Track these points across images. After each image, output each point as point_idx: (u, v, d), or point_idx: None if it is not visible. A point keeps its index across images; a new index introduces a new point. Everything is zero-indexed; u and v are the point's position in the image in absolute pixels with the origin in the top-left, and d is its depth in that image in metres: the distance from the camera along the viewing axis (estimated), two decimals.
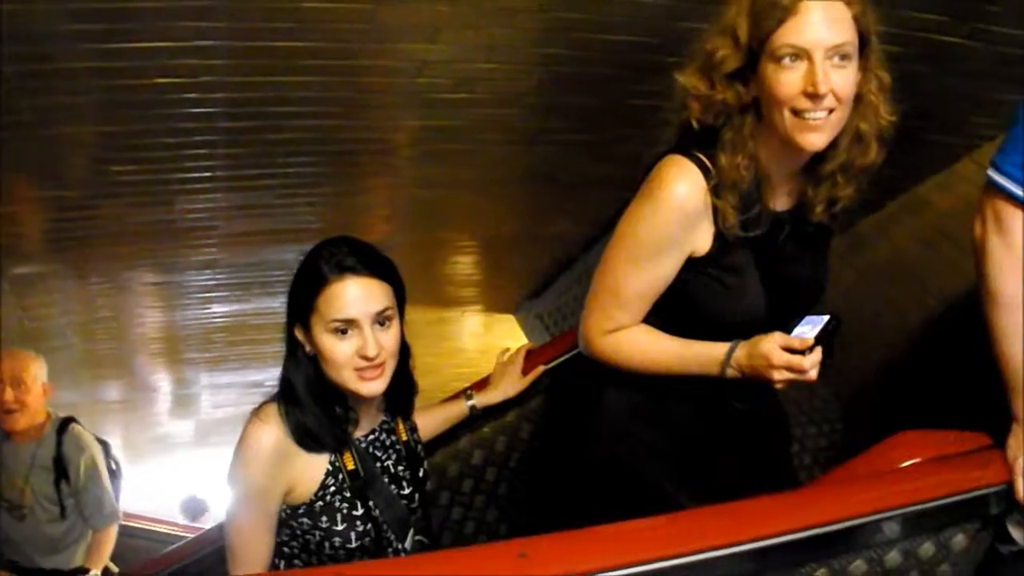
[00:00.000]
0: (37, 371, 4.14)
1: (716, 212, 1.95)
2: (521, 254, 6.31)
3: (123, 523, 5.55)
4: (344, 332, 1.97)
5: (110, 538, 4.26)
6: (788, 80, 1.84)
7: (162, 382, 8.27)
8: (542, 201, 5.27)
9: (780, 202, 2.06)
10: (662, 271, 2.01)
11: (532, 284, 6.80)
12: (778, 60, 1.84)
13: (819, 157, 1.98)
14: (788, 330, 1.95)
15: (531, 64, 3.77)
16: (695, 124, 1.98)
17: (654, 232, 1.97)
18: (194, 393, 8.63)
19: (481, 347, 7.93)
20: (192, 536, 4.01)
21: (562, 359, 2.76)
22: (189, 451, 10.08)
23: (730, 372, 2.01)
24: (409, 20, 3.35)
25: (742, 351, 1.98)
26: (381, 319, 2.00)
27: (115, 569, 4.39)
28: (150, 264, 5.65)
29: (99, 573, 4.12)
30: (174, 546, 3.58)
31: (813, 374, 1.91)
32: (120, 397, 8.43)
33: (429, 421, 2.59)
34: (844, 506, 1.66)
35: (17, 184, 4.24)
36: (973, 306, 2.08)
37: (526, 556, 1.41)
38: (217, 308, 6.44)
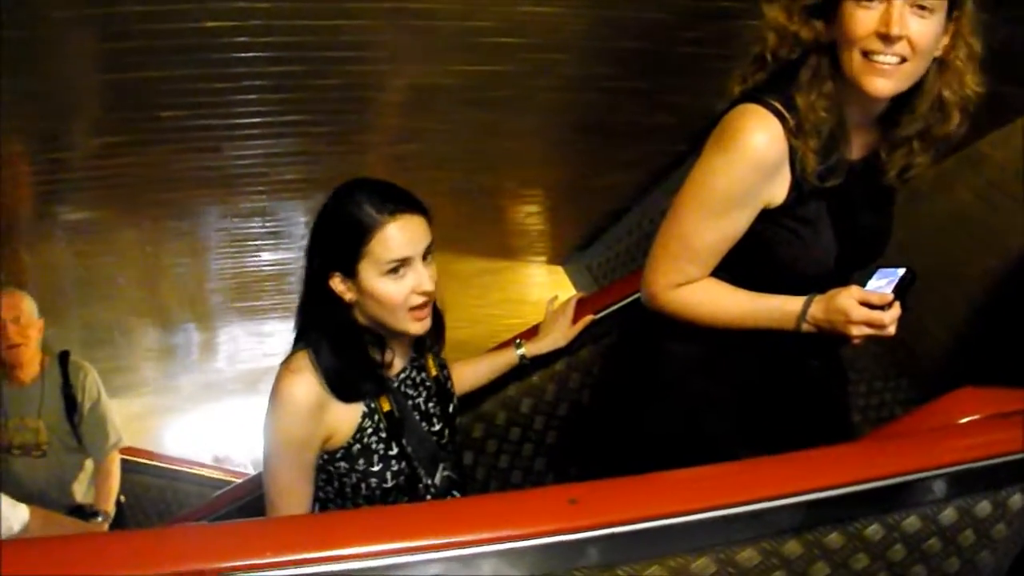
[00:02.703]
0: (32, 309, 4.18)
1: (793, 161, 1.89)
2: (570, 204, 6.29)
3: (170, 467, 5.67)
4: (398, 272, 1.96)
5: (116, 469, 4.29)
6: (864, 18, 1.78)
7: (209, 330, 8.37)
8: (591, 150, 5.21)
9: (855, 151, 2.00)
10: (737, 224, 1.95)
11: (581, 235, 6.76)
12: None
13: (895, 121, 1.93)
14: (859, 282, 1.91)
15: (579, 7, 3.71)
16: (769, 57, 1.93)
17: (731, 184, 1.91)
18: (241, 341, 8.73)
19: (531, 298, 7.92)
20: (234, 484, 4.05)
21: (612, 309, 2.75)
22: (238, 399, 10.19)
23: (805, 327, 1.96)
24: None
25: (818, 306, 1.93)
26: (426, 254, 2.00)
27: (122, 499, 4.45)
28: (199, 211, 5.71)
29: (110, 513, 4.17)
30: (217, 494, 3.63)
31: (892, 329, 1.87)
32: (167, 344, 8.55)
33: (479, 369, 2.60)
34: (899, 461, 1.61)
35: (68, 130, 4.30)
36: None
37: (576, 502, 1.38)
38: (266, 256, 6.49)
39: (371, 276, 1.96)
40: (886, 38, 1.76)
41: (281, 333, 8.17)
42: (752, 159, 1.88)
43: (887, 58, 1.78)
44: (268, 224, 5.85)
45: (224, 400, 10.31)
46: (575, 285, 7.17)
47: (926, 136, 1.94)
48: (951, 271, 3.84)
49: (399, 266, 1.95)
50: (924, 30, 1.78)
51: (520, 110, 4.62)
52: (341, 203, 1.99)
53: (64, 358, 4.26)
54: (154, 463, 5.68)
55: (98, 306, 7.13)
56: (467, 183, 5.60)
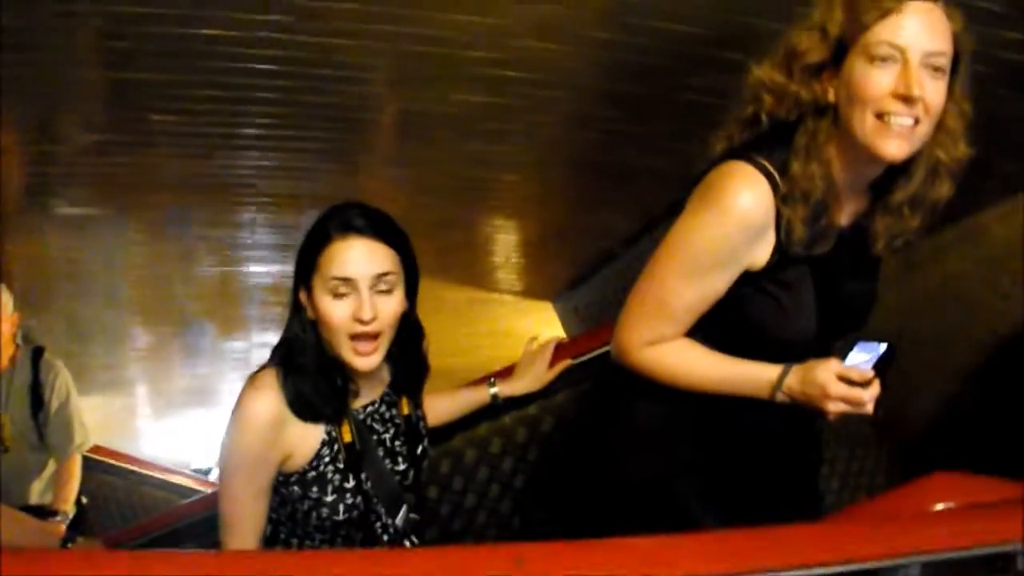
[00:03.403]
0: (6, 301, 4.09)
1: (779, 225, 1.82)
2: (563, 242, 6.27)
3: (136, 470, 5.60)
4: (342, 294, 1.92)
5: (77, 471, 4.17)
6: (879, 79, 1.71)
7: (190, 335, 8.34)
8: (588, 189, 5.21)
9: (844, 218, 1.92)
10: (716, 285, 1.88)
11: (572, 274, 6.76)
12: (871, 57, 1.72)
13: (888, 187, 1.87)
14: (838, 354, 1.83)
15: (583, 47, 3.68)
16: (764, 119, 1.85)
17: (713, 244, 1.84)
18: (221, 349, 8.70)
19: (518, 331, 7.88)
20: (202, 494, 3.98)
21: (591, 355, 2.68)
22: (213, 408, 10.16)
23: (780, 397, 1.87)
24: None
25: (795, 377, 1.85)
26: (382, 284, 1.94)
27: (83, 500, 4.37)
28: (189, 217, 5.68)
29: (69, 514, 4.08)
30: (182, 503, 3.56)
31: (870, 408, 1.79)
32: (150, 344, 8.52)
33: (449, 405, 2.54)
34: (865, 546, 1.55)
35: (64, 124, 4.28)
36: None
37: (523, 564, 1.31)
38: (254, 268, 6.47)
39: (319, 292, 1.93)
40: (906, 99, 1.70)
41: (260, 346, 8.18)
42: (737, 219, 1.81)
43: (903, 120, 1.71)
44: (257, 236, 5.83)
45: (200, 407, 10.27)
46: (563, 323, 7.15)
47: (918, 202, 1.88)
48: (942, 340, 3.78)
49: (342, 286, 1.91)
50: (937, 92, 1.73)
51: (516, 144, 4.60)
52: (320, 216, 1.98)
53: (37, 355, 4.18)
54: (120, 464, 5.60)
55: (82, 302, 7.12)
56: (458, 213, 5.57)
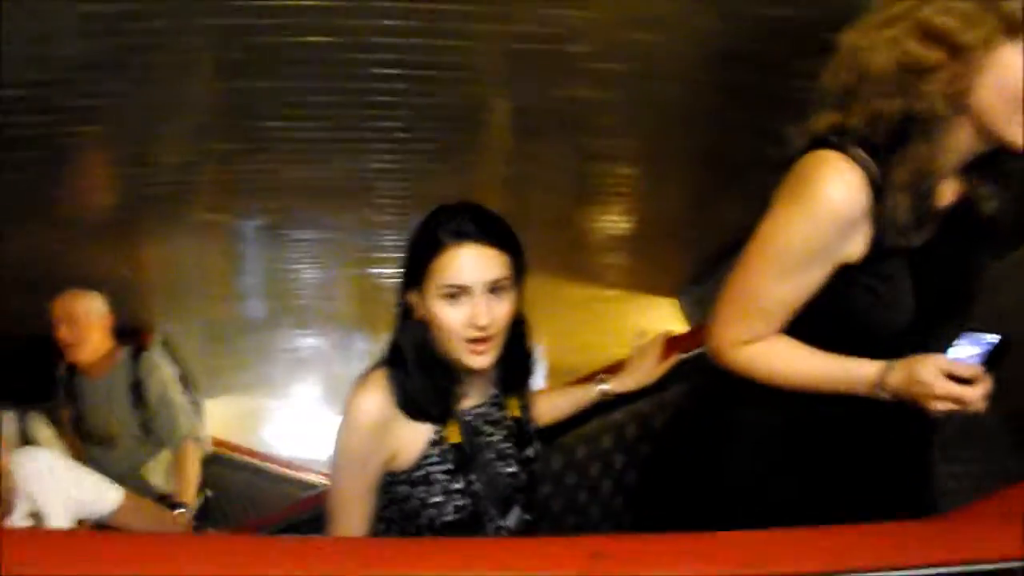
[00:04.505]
0: (90, 306, 4.32)
1: (875, 216, 1.74)
2: (684, 236, 6.19)
3: (258, 463, 5.75)
4: (456, 298, 1.93)
5: (191, 461, 4.34)
6: None
7: (322, 337, 8.52)
8: (703, 182, 5.13)
9: (944, 199, 1.83)
10: (810, 281, 1.81)
11: (694, 269, 6.65)
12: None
13: (991, 158, 1.78)
14: (941, 347, 1.74)
15: (687, 36, 3.63)
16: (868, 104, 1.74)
17: (806, 239, 1.76)
18: (356, 351, 8.88)
19: (641, 328, 7.79)
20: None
21: (702, 350, 2.64)
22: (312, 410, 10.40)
23: (883, 395, 1.80)
24: None
25: (898, 374, 1.76)
26: (495, 289, 1.94)
27: (208, 493, 4.55)
28: (304, 221, 5.85)
29: (192, 505, 4.23)
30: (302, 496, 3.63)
31: (980, 405, 1.70)
32: (283, 347, 8.74)
33: (559, 403, 2.54)
34: (975, 548, 1.48)
35: (173, 135, 4.44)
36: None
37: (599, 557, 1.29)
38: (373, 270, 6.57)
39: (432, 297, 1.94)
40: None
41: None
42: (829, 214, 1.73)
43: None
44: (374, 237, 5.92)
45: (332, 407, 10.47)
46: (687, 318, 7.05)
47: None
48: None
49: (457, 292, 1.92)
50: None
51: (625, 138, 4.56)
52: (428, 218, 1.98)
53: (135, 353, 4.39)
54: (243, 458, 5.75)
55: (217, 305, 7.35)
56: (573, 209, 5.55)
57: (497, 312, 1.94)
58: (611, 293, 7.36)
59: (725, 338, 1.93)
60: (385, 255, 6.35)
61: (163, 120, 4.23)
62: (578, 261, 6.59)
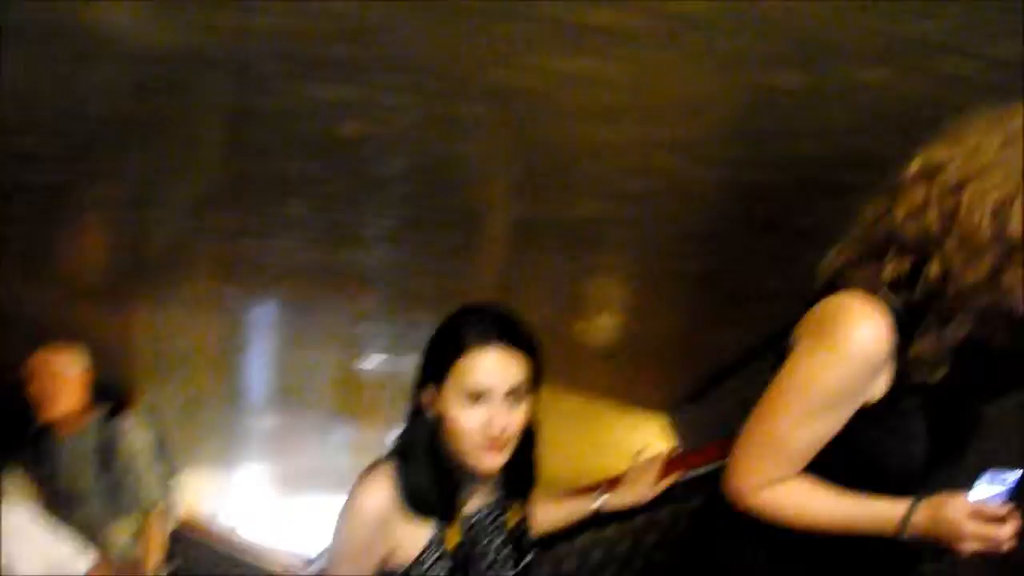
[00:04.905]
0: (68, 361, 4.25)
1: (900, 355, 1.74)
2: (679, 355, 6.23)
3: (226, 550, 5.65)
4: (475, 402, 1.91)
5: (156, 530, 4.25)
6: None
7: (308, 422, 8.49)
8: (705, 304, 5.19)
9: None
10: (836, 423, 1.80)
11: (688, 387, 6.67)
12: None
13: None
14: (949, 485, 1.75)
15: (711, 163, 3.70)
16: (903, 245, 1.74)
17: (834, 385, 1.76)
18: (335, 437, 8.81)
19: (627, 444, 7.76)
20: None
21: (701, 472, 2.64)
22: (324, 495, 10.24)
23: (908, 535, 1.77)
24: (591, 102, 3.34)
25: (924, 513, 1.75)
26: (514, 393, 1.93)
27: (173, 568, 4.44)
28: (309, 305, 5.87)
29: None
30: None
31: (1009, 545, 1.69)
32: (266, 427, 8.73)
33: (555, 512, 2.49)
34: None
35: (176, 206, 4.49)
36: None
37: None
38: (357, 359, 6.66)
39: (450, 398, 1.92)
40: None
41: (373, 436, 8.28)
42: (860, 359, 1.73)
43: None
44: (384, 329, 5.94)
45: (308, 493, 10.37)
46: (677, 437, 7.05)
47: None
48: None
49: (477, 397, 1.91)
50: None
51: (630, 254, 4.65)
52: (454, 317, 1.98)
53: (111, 413, 4.32)
54: (208, 538, 5.66)
55: (201, 378, 7.34)
56: (569, 321, 5.59)
57: (514, 417, 1.93)
58: (602, 406, 7.36)
59: (748, 482, 1.89)
60: (371, 346, 6.37)
61: (168, 190, 4.29)
62: (570, 373, 6.59)
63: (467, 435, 1.93)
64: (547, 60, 3.11)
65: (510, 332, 1.94)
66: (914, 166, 1.76)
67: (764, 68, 3.06)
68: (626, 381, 6.92)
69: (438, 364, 1.95)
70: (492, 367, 1.91)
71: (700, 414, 6.58)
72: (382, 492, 1.95)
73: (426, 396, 1.98)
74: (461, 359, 1.91)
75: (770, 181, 3.70)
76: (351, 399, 7.75)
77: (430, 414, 1.98)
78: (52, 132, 3.69)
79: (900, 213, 1.75)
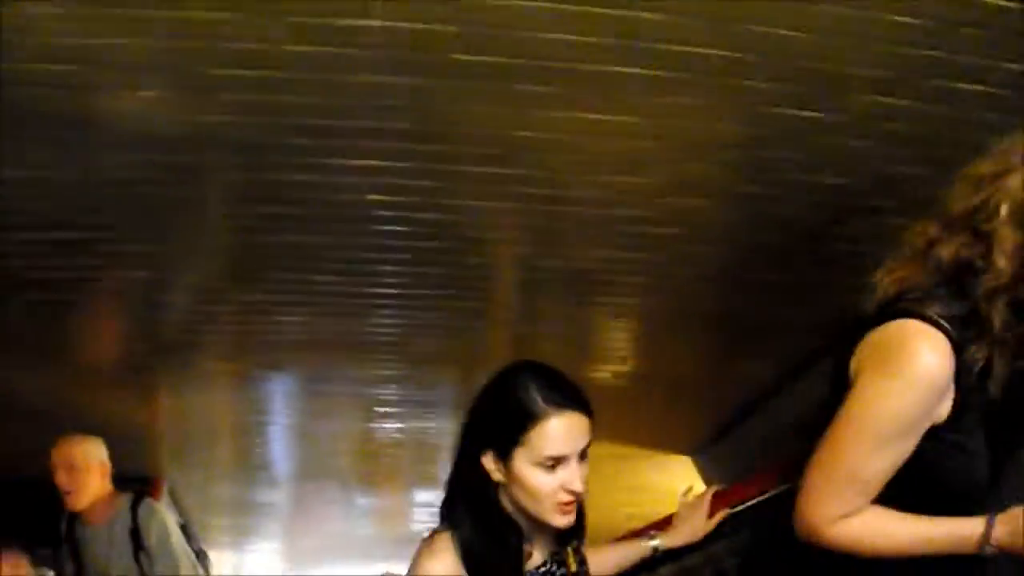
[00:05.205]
0: (89, 452, 4.27)
1: (960, 375, 1.76)
2: (701, 394, 6.19)
3: None
4: (554, 467, 1.91)
5: None
6: None
7: (332, 491, 8.45)
8: (727, 341, 5.19)
9: None
10: (906, 449, 1.80)
11: (711, 427, 6.65)
12: None
13: None
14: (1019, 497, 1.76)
15: (727, 200, 3.74)
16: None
17: (902, 412, 1.77)
18: (359, 506, 8.78)
19: (657, 487, 7.73)
20: None
21: (748, 504, 2.66)
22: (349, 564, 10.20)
23: (989, 551, 1.78)
24: (612, 152, 3.38)
25: (1002, 528, 1.76)
26: (583, 454, 1.95)
27: None
28: (336, 374, 5.86)
29: None
30: None
31: None
32: (291, 498, 8.67)
33: (611, 557, 2.51)
34: None
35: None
36: None
37: None
38: (374, 425, 6.64)
39: (524, 464, 1.92)
40: None
41: (400, 505, 8.23)
42: (926, 385, 1.74)
43: None
44: (401, 393, 5.94)
45: (338, 563, 10.30)
46: (703, 477, 7.01)
47: None
48: None
49: (556, 462, 1.91)
50: None
51: (652, 297, 4.67)
52: (508, 383, 1.97)
53: (136, 500, 4.34)
54: None
55: (222, 454, 7.30)
56: (590, 365, 5.61)
57: (584, 474, 1.95)
58: (626, 451, 7.32)
59: (823, 516, 1.87)
60: (387, 410, 6.37)
61: (184, 271, 4.34)
62: (595, 420, 6.57)
63: (546, 498, 1.93)
64: (560, 111, 3.16)
65: (573, 394, 1.95)
66: (959, 186, 1.81)
67: (784, 103, 3.10)
68: (650, 425, 6.89)
69: (506, 432, 1.94)
70: (567, 433, 1.91)
71: (724, 453, 6.56)
72: (446, 561, 1.94)
73: (488, 462, 1.98)
74: (535, 427, 1.91)
75: (788, 213, 3.73)
76: (370, 466, 7.71)
77: (494, 479, 1.98)
78: (67, 221, 3.74)
79: (947, 233, 1.80)
